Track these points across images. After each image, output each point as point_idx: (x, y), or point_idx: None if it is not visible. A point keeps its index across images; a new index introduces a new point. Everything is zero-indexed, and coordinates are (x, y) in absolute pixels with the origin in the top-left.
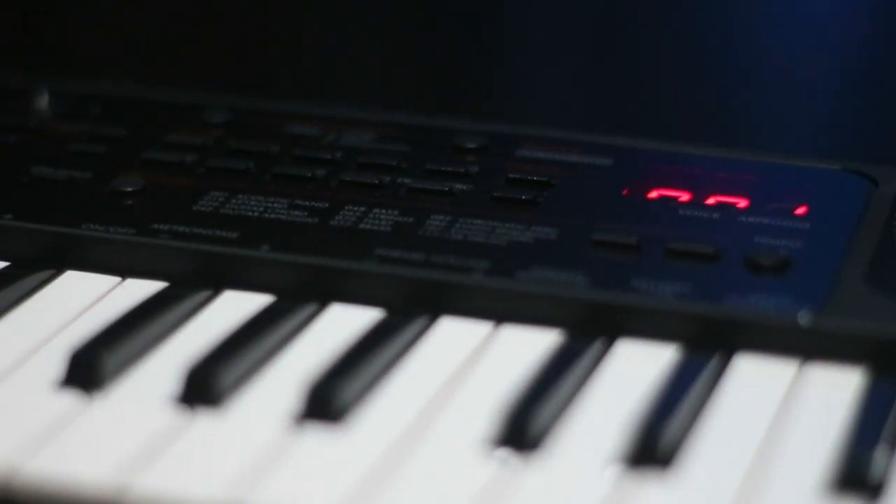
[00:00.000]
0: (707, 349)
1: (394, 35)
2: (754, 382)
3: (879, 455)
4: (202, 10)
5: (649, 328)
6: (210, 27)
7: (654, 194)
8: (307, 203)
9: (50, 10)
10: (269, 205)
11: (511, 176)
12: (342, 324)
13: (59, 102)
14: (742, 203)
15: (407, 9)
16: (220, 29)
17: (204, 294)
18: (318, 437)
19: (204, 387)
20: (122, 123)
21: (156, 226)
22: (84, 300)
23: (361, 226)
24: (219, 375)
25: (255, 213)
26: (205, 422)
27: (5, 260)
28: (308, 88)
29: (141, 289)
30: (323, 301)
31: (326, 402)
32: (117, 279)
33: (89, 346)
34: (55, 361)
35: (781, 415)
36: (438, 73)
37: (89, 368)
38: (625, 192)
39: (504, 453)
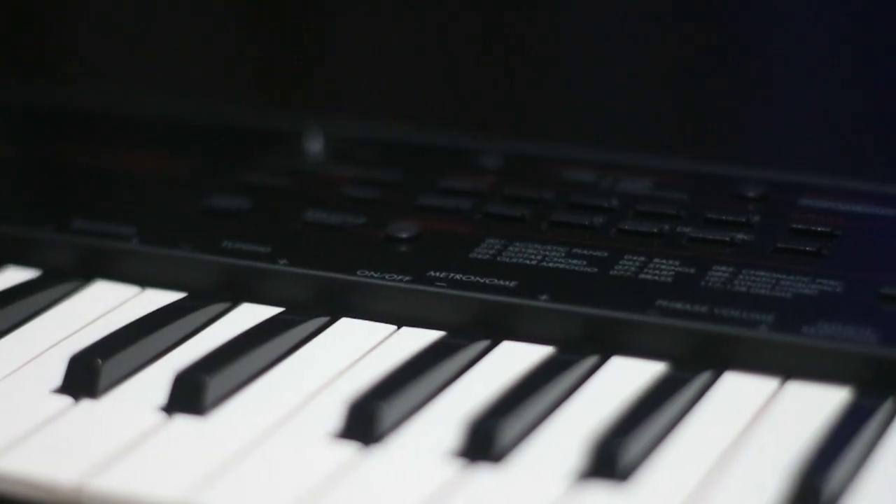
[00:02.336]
0: None
1: (670, 80)
2: None
3: None
4: (476, 52)
5: None
6: (483, 70)
7: None
8: (586, 252)
9: (323, 53)
10: (547, 253)
11: (794, 226)
12: (624, 377)
13: (332, 145)
14: None
15: (683, 55)
16: (494, 72)
17: (482, 344)
18: (603, 497)
19: (486, 441)
20: (395, 167)
21: (432, 273)
22: (360, 348)
23: (642, 276)
24: (501, 430)
25: (533, 262)
26: (486, 477)
27: (280, 305)
28: (583, 132)
29: (417, 338)
30: (604, 353)
31: (612, 459)
32: (393, 327)
33: (367, 398)
34: (331, 411)
35: None
36: (716, 119)
37: (368, 420)
38: None
39: None
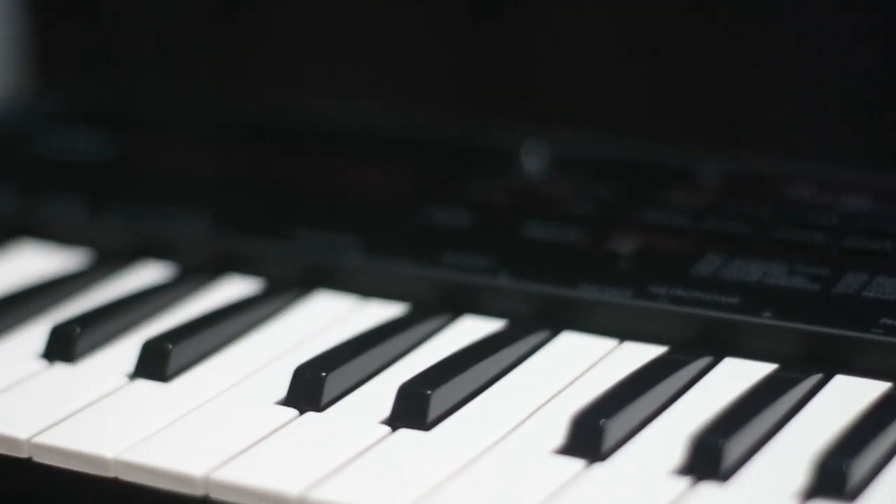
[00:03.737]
0: None
1: (893, 94)
2: None
3: None
4: (693, 65)
5: None
6: (702, 84)
7: None
8: (807, 269)
9: (542, 70)
10: (768, 270)
11: None
12: (848, 396)
13: (551, 160)
14: None
15: None
16: (712, 86)
17: (704, 361)
18: None
19: (713, 459)
20: (614, 182)
21: (653, 289)
22: (582, 363)
23: (865, 294)
24: (728, 447)
25: (754, 279)
26: (712, 495)
27: (502, 318)
28: (803, 146)
29: (639, 353)
30: (826, 372)
31: (840, 479)
32: (615, 342)
33: (592, 414)
34: (555, 427)
35: None
36: None
37: (594, 436)
38: None
39: None
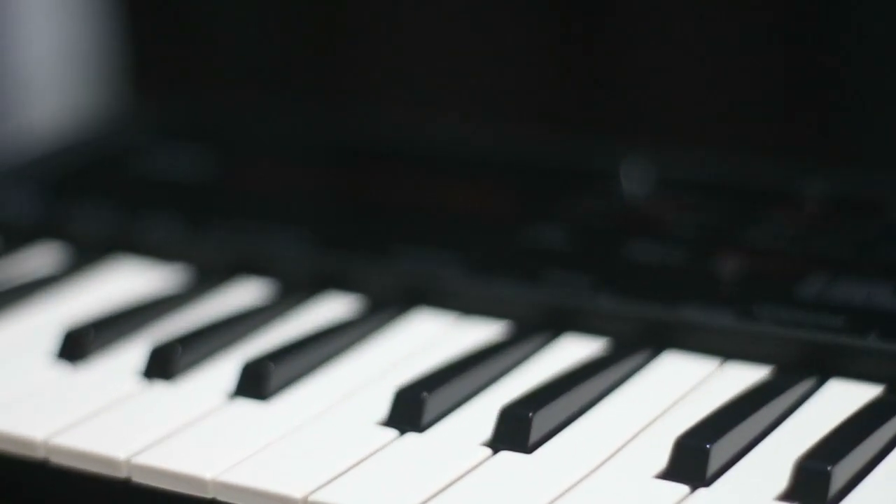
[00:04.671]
0: None
1: None
2: None
3: None
4: (791, 81)
5: None
6: (803, 100)
7: None
8: None
9: (642, 90)
10: (873, 291)
11: None
12: None
13: (651, 180)
14: None
15: None
16: (814, 102)
17: (809, 383)
18: None
19: (819, 485)
20: (716, 201)
21: (756, 310)
22: (684, 385)
23: None
24: (833, 474)
25: (859, 300)
26: None
27: (603, 337)
28: None
29: (742, 374)
30: None
31: None
32: (717, 363)
33: (694, 436)
34: (658, 450)
35: None
36: None
37: (698, 460)
38: None
39: None
